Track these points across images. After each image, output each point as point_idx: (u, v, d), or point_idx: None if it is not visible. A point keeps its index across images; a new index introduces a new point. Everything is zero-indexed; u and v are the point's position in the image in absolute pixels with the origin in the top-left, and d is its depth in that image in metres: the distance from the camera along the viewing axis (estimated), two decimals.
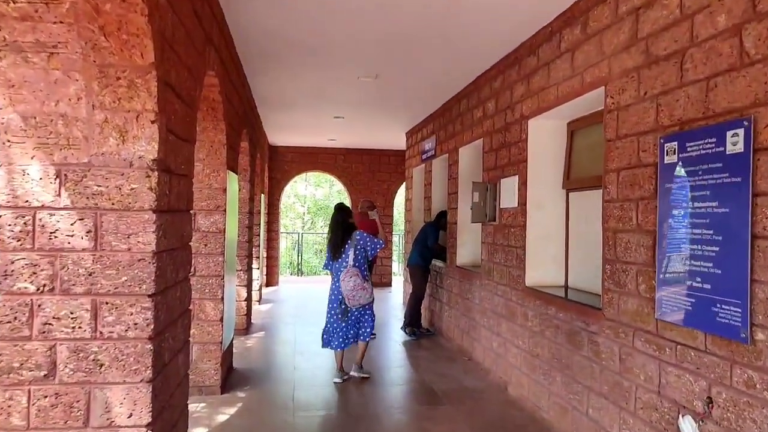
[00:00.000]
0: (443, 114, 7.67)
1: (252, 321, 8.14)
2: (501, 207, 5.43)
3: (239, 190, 6.83)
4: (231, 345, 5.74)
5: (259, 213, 9.83)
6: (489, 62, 5.66)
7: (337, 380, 5.46)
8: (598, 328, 3.67)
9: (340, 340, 5.51)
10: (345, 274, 5.43)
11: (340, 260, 5.55)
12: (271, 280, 12.67)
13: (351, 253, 5.50)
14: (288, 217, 24.04)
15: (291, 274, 18.00)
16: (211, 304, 4.94)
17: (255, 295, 9.38)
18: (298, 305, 10.09)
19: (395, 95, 7.19)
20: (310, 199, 25.24)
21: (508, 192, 5.25)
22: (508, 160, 5.29)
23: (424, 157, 8.76)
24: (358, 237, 5.58)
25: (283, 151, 12.82)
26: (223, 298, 4.98)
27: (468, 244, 6.91)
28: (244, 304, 7.30)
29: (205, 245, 4.92)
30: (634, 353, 3.26)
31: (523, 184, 4.92)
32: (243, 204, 7.16)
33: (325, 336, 5.62)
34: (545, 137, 4.86)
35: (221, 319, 4.96)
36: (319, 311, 9.41)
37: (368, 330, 5.60)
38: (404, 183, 13.17)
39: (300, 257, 17.49)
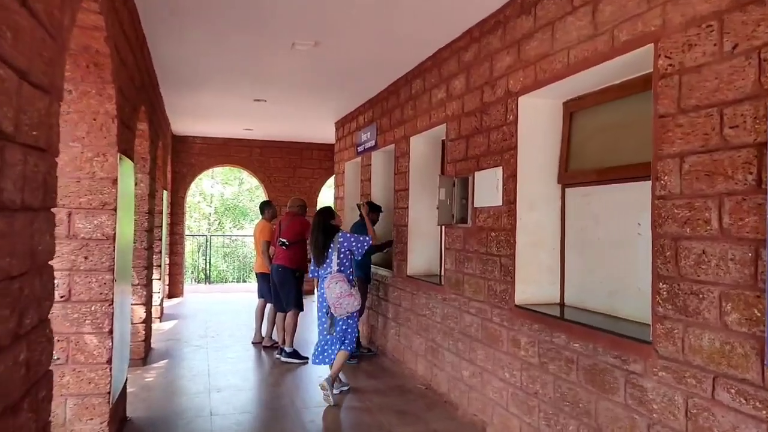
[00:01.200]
0: (388, 98, 6.59)
1: (152, 345, 6.62)
2: (475, 206, 4.43)
3: (136, 183, 5.37)
4: (124, 388, 4.31)
5: (161, 213, 8.25)
6: (457, 30, 4.65)
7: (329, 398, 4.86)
8: (644, 368, 2.73)
9: (329, 352, 5.02)
10: (329, 281, 4.88)
11: (324, 266, 5.06)
12: (174, 290, 10.99)
13: (334, 258, 4.98)
14: (192, 218, 21.97)
15: (197, 282, 16.20)
16: (95, 340, 3.53)
17: (155, 311, 7.81)
18: (208, 321, 8.60)
19: (333, 71, 6.01)
20: (218, 197, 23.27)
21: (486, 188, 4.26)
22: (486, 149, 4.29)
23: (360, 149, 7.64)
24: (341, 239, 5.03)
25: (190, 141, 11.18)
26: (111, 331, 3.58)
27: (421, 250, 5.88)
28: (142, 327, 5.80)
29: (86, 258, 3.51)
30: (716, 408, 2.34)
31: (510, 178, 3.94)
32: (141, 201, 5.68)
33: (316, 351, 5.07)
34: (540, 119, 3.92)
35: (109, 360, 3.57)
36: (235, 329, 8.14)
37: (350, 340, 5.07)
38: (331, 180, 12.02)
39: (208, 263, 15.73)
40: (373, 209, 6.28)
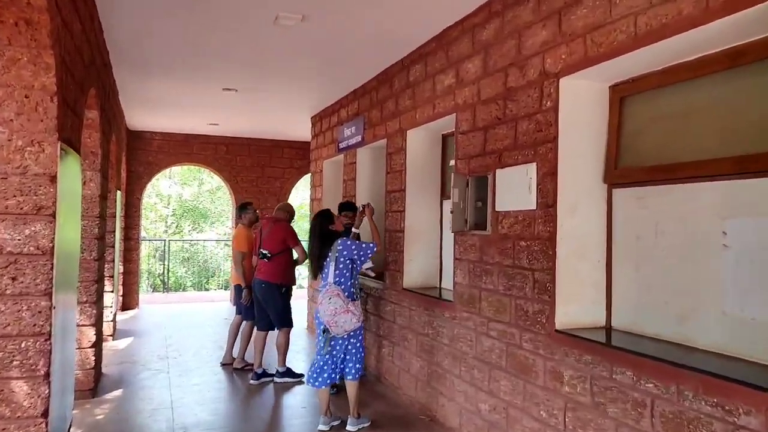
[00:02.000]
0: (378, 88, 5.86)
1: (102, 371, 5.70)
2: (497, 210, 3.75)
3: (84, 182, 4.50)
4: None
5: (114, 217, 7.28)
6: (470, 3, 3.97)
7: (323, 428, 4.28)
8: (763, 424, 2.10)
9: (325, 375, 4.26)
10: (323, 296, 4.20)
11: (320, 277, 4.43)
12: (128, 301, 9.96)
13: (331, 268, 4.29)
14: (148, 219, 20.70)
15: (153, 290, 15.08)
16: (26, 387, 2.69)
17: (107, 328, 6.85)
18: (168, 338, 7.67)
19: (319, 53, 5.25)
20: (176, 199, 22.02)
21: (512, 188, 3.58)
22: (512, 142, 3.62)
23: (342, 146, 6.88)
24: (341, 246, 4.32)
25: (148, 137, 10.18)
26: (48, 374, 2.74)
27: (419, 259, 5.17)
28: (91, 352, 4.89)
29: (14, 279, 2.68)
30: None
31: (548, 176, 3.27)
32: (90, 204, 4.79)
33: (311, 371, 4.33)
34: (584, 106, 3.27)
35: (45, 412, 2.72)
36: (200, 347, 7.14)
37: (357, 365, 4.33)
38: (304, 180, 11.21)
39: (166, 269, 14.64)
40: (346, 209, 5.60)
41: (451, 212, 3.95)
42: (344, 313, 4.08)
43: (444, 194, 5.21)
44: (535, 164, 3.38)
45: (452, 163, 5.03)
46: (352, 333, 4.23)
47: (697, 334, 2.75)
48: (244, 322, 6.10)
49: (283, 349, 5.62)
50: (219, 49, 5.16)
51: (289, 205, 6.17)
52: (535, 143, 3.39)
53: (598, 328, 3.24)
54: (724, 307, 2.61)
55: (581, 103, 3.25)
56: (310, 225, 4.45)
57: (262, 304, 5.65)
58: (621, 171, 3.21)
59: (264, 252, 5.55)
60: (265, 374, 5.64)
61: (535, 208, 3.37)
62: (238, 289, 6.17)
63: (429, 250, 5.20)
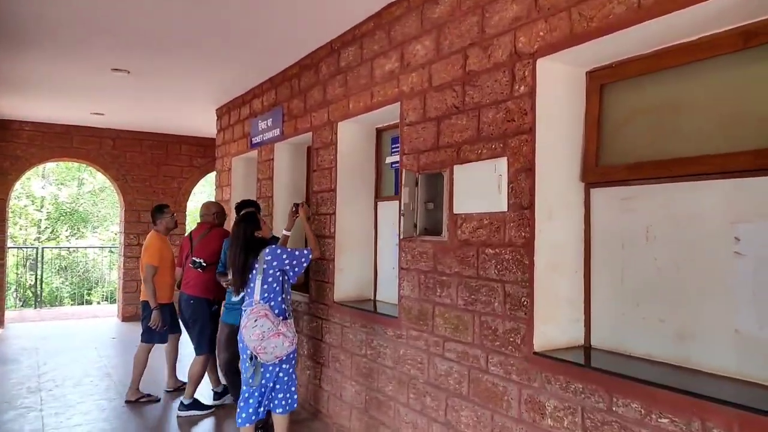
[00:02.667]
0: (300, 75, 5.19)
1: None
2: (455, 212, 3.25)
3: None
4: None
5: None
6: None
7: None
8: None
9: (250, 410, 3.56)
10: (247, 318, 3.47)
11: (244, 293, 3.66)
12: None
13: (257, 282, 3.56)
14: (17, 225, 18.28)
15: (22, 305, 13.20)
16: None
17: None
18: (42, 365, 6.45)
19: (231, 28, 4.50)
20: (51, 200, 19.65)
21: (477, 186, 3.10)
22: (474, 133, 3.14)
23: (256, 141, 6.12)
24: (269, 256, 3.61)
25: (16, 127, 8.71)
26: None
27: (353, 268, 4.57)
28: None
29: None
30: None
31: (521, 173, 2.82)
32: None
33: (238, 407, 3.64)
34: (561, 92, 2.85)
35: None
36: (83, 375, 5.91)
37: (288, 396, 3.64)
38: (204, 179, 10.19)
39: (39, 280, 12.82)
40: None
41: (402, 215, 3.39)
42: (274, 336, 3.40)
43: (379, 195, 4.66)
44: (505, 159, 2.91)
45: (388, 160, 4.51)
46: (284, 358, 3.55)
47: (702, 355, 2.39)
48: (141, 344, 5.17)
49: (197, 378, 4.80)
50: (110, 17, 4.26)
51: (215, 204, 5.36)
52: (505, 135, 2.93)
53: (574, 347, 2.83)
54: (737, 324, 2.27)
55: (559, 88, 2.83)
56: (231, 231, 3.71)
57: (189, 324, 4.80)
58: (603, 169, 2.82)
59: (198, 261, 4.73)
60: (197, 404, 4.79)
61: (506, 210, 2.90)
62: (145, 307, 5.16)
63: (363, 258, 4.61)
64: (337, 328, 4.47)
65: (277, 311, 3.52)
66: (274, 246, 3.57)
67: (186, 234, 5.42)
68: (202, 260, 4.75)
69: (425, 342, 3.47)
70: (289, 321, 3.54)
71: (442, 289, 3.34)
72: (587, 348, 2.84)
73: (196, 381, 4.79)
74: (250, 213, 3.78)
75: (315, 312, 4.79)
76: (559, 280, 2.82)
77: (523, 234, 2.80)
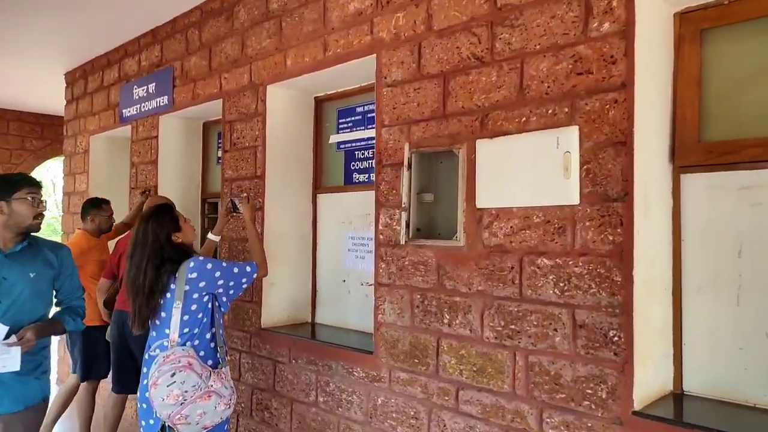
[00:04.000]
0: (203, 22, 3.86)
1: None
2: (481, 206, 2.28)
3: None
4: None
5: None
6: None
7: None
8: None
9: None
10: (160, 369, 2.19)
11: (152, 329, 2.39)
12: None
13: (175, 313, 2.26)
14: None
15: None
16: None
17: None
18: None
19: None
20: None
21: (519, 169, 2.16)
22: (514, 94, 2.19)
23: (129, 113, 4.62)
24: (193, 273, 2.30)
25: None
26: None
27: (285, 281, 3.40)
28: None
29: None
30: None
31: (607, 148, 1.94)
32: None
33: None
34: (656, 36, 2.02)
35: None
36: None
37: None
38: (49, 163, 8.06)
39: None
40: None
41: (404, 210, 2.33)
42: (203, 398, 2.17)
43: (319, 185, 3.54)
44: (576, 129, 2.01)
45: (333, 139, 3.43)
46: (215, 427, 2.31)
47: None
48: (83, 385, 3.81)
49: (114, 424, 3.45)
50: None
51: (161, 197, 3.77)
52: (574, 94, 2.03)
53: (662, 398, 2.02)
54: None
55: (655, 31, 2.00)
56: (133, 235, 2.35)
57: (128, 348, 3.29)
58: (708, 146, 2.03)
59: None
60: None
61: (577, 202, 2.01)
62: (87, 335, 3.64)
63: (299, 267, 3.47)
64: (266, 365, 3.28)
65: (204, 356, 2.28)
66: (201, 258, 2.30)
67: (124, 235, 3.90)
68: None
69: (423, 389, 2.47)
70: (223, 371, 2.32)
71: (453, 315, 2.36)
72: (678, 395, 2.05)
73: (113, 426, 3.44)
74: (163, 207, 2.45)
75: (233, 343, 3.53)
76: (652, 301, 1.99)
77: (609, 237, 1.93)
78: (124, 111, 4.68)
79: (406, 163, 2.47)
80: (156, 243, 2.25)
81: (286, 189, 3.41)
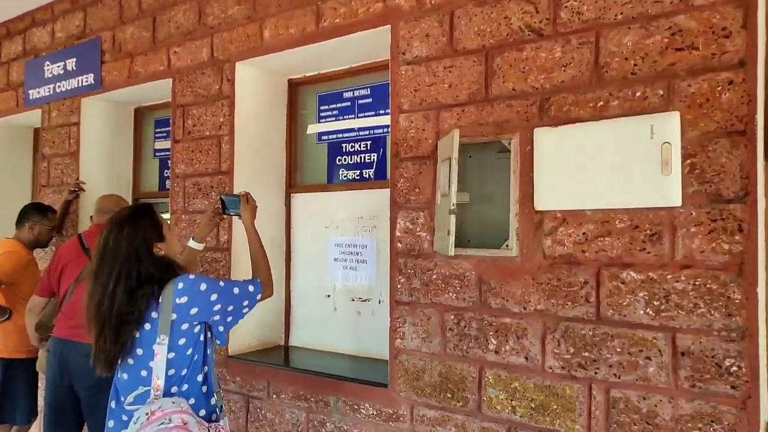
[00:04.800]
0: None
1: None
2: (542, 208, 1.88)
3: None
4: None
5: None
6: None
7: None
8: None
9: None
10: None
11: (121, 370, 1.69)
12: None
13: (161, 353, 1.59)
14: None
15: None
16: None
17: None
18: None
19: None
20: None
21: (596, 164, 1.79)
22: (586, 73, 1.82)
23: (37, 95, 3.78)
24: (182, 297, 1.62)
25: None
26: None
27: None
28: None
29: None
30: None
31: (719, 139, 1.61)
32: None
33: None
34: None
35: None
36: None
37: None
38: None
39: None
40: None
41: (452, 212, 1.86)
42: None
43: (293, 184, 2.99)
44: (676, 115, 1.67)
45: (312, 129, 2.92)
46: None
47: None
48: None
49: None
50: None
51: (117, 196, 2.89)
52: (672, 74, 1.68)
53: None
54: None
55: None
56: (97, 247, 1.67)
57: (71, 387, 2.46)
58: None
59: None
60: None
61: (678, 204, 1.66)
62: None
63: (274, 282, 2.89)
64: (237, 402, 2.69)
65: (195, 404, 1.69)
66: (192, 277, 1.68)
67: (67, 240, 2.99)
68: None
69: (460, 429, 2.03)
70: (221, 423, 1.74)
71: (502, 339, 1.95)
72: None
73: None
74: (142, 209, 1.79)
75: None
76: None
77: (724, 246, 1.60)
78: (30, 92, 3.83)
79: (442, 155, 2.01)
80: (131, 257, 1.62)
81: (260, 188, 2.83)
